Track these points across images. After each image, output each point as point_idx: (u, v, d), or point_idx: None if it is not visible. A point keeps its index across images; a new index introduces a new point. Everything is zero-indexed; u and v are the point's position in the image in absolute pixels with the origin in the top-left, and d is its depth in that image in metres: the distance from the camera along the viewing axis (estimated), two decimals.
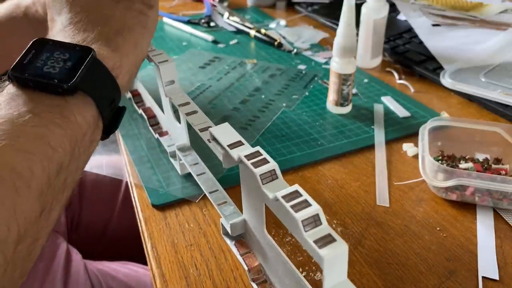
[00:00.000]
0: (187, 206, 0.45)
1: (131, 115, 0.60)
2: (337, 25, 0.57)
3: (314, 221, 0.24)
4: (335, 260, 0.23)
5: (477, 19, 0.86)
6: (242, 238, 0.37)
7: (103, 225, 0.77)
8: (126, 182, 0.78)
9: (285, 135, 0.55)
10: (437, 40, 0.76)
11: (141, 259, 0.69)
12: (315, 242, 0.23)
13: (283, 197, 0.25)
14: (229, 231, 0.36)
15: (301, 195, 0.25)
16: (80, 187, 0.77)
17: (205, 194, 0.45)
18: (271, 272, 0.33)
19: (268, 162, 0.28)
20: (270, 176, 0.28)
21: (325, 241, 0.23)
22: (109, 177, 0.74)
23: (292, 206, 0.25)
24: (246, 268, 0.35)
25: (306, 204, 0.25)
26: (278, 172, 0.28)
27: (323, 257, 0.22)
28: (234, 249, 0.36)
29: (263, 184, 0.27)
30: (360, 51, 0.74)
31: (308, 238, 0.23)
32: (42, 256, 0.62)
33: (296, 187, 0.26)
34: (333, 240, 0.23)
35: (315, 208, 0.24)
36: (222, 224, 0.38)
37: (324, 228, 0.24)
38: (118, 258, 0.71)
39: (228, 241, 0.38)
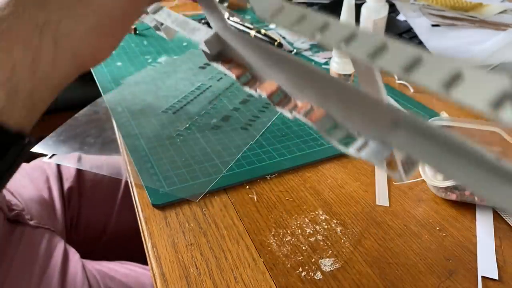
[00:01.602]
0: (187, 206, 0.45)
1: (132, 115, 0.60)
2: None
3: None
4: None
5: (476, 20, 0.86)
6: (225, 57, 0.35)
7: (102, 225, 0.77)
8: (126, 182, 0.78)
9: (285, 135, 0.55)
10: (436, 40, 0.76)
11: (141, 259, 0.70)
12: None
13: None
14: (207, 50, 0.34)
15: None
16: (79, 187, 0.77)
17: (205, 194, 0.46)
18: (254, 66, 0.32)
19: None
20: None
21: None
22: (108, 176, 0.74)
23: None
24: (234, 76, 0.33)
25: None
26: None
27: None
28: (222, 68, 0.34)
29: None
30: None
31: None
32: (38, 256, 0.62)
33: None
34: None
35: None
36: (201, 50, 0.36)
37: None
38: (117, 257, 0.71)
39: (215, 64, 0.35)
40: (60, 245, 0.65)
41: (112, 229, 0.77)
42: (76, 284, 0.61)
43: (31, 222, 0.65)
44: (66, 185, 0.76)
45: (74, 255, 0.65)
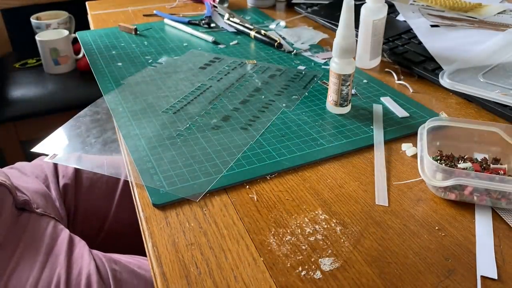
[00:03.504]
0: (188, 206, 0.45)
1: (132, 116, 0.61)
2: (337, 26, 0.57)
3: None
4: None
5: (475, 20, 0.86)
6: None
7: (100, 222, 0.78)
8: (125, 180, 0.79)
9: (285, 135, 0.56)
10: (436, 40, 0.76)
11: (140, 255, 0.70)
12: None
13: None
14: None
15: None
16: (76, 184, 0.78)
17: (205, 194, 0.46)
18: None
19: None
20: None
21: None
22: (106, 175, 0.75)
23: None
24: None
25: None
26: None
27: None
28: None
29: None
30: (360, 52, 0.74)
31: None
32: (44, 238, 0.63)
33: None
34: None
35: None
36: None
37: None
38: (117, 253, 0.71)
39: None
40: (65, 231, 0.67)
41: (110, 226, 0.78)
42: (83, 262, 0.62)
43: (37, 210, 0.67)
44: (62, 182, 0.77)
45: (79, 241, 0.67)
